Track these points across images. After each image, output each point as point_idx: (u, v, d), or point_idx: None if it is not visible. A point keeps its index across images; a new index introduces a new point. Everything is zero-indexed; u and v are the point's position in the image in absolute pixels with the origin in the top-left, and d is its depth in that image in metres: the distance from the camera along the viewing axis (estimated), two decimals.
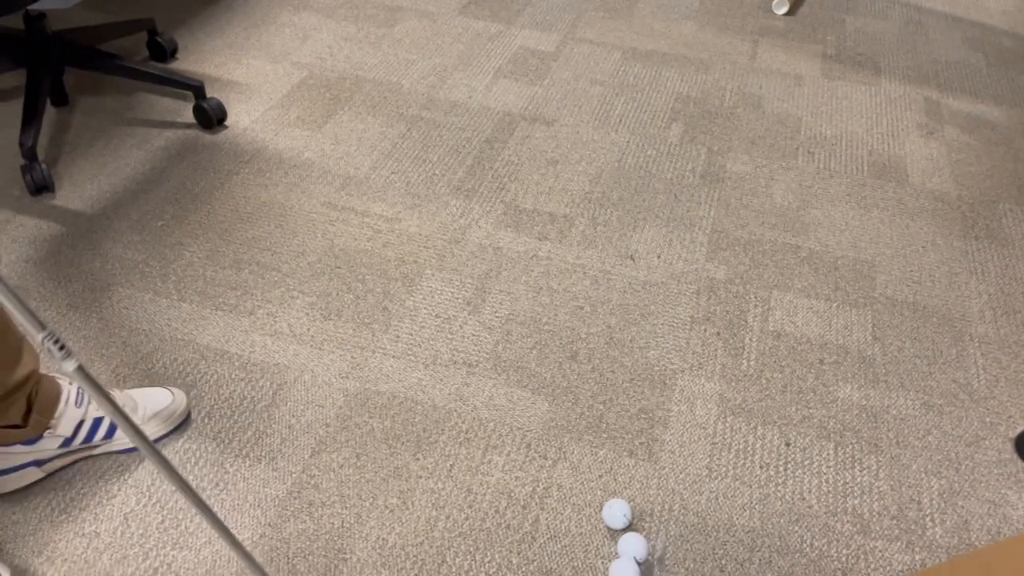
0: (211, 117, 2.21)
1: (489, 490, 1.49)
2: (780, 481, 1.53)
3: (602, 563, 1.40)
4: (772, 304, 1.87)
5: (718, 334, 1.80)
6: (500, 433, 1.58)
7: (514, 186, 2.14)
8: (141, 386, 1.60)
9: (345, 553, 1.38)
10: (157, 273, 1.84)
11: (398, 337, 1.74)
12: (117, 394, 1.46)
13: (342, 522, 1.43)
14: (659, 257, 1.98)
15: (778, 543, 1.43)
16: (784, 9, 2.97)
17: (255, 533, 1.40)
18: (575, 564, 1.39)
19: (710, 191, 2.17)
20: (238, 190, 2.07)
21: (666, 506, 1.48)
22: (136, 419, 1.46)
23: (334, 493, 1.47)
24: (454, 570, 1.37)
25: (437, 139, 2.28)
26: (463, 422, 1.60)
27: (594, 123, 2.39)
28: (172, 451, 1.49)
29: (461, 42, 2.73)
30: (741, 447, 1.58)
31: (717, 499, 1.50)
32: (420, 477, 1.50)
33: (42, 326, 0.75)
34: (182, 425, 1.53)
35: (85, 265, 1.84)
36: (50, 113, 2.26)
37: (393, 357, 1.70)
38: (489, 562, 1.38)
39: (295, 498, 1.46)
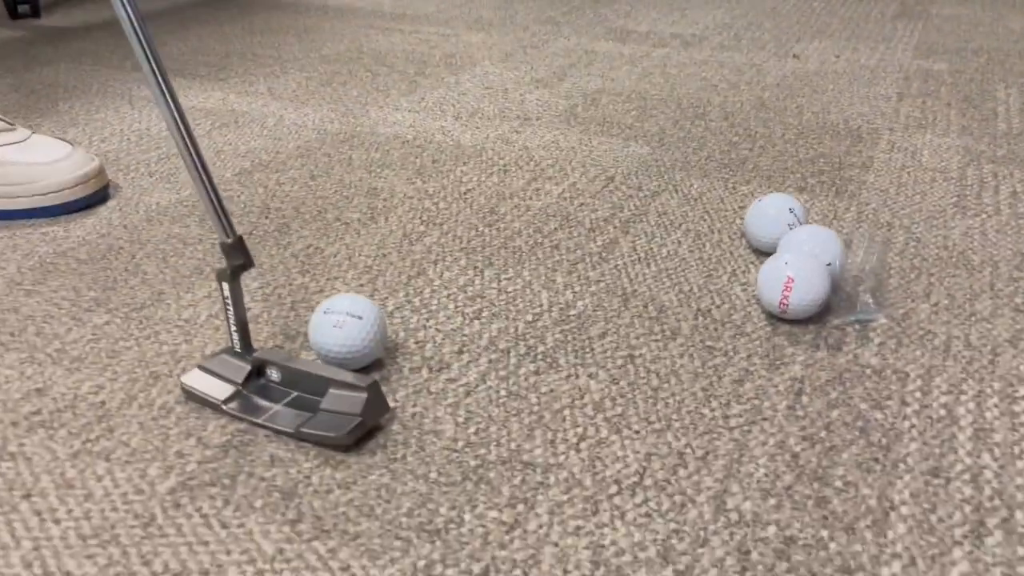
0: None
1: (528, 214, 0.80)
2: None
3: (740, 288, 0.66)
4: None
5: (949, 104, 1.08)
6: (562, 167, 0.91)
7: (622, 21, 1.55)
8: (27, 123, 1.06)
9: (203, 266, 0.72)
10: (116, 54, 1.34)
11: (422, 99, 1.14)
12: None
13: (250, 235, 0.77)
14: (837, 57, 1.30)
15: None
16: None
17: (90, 233, 0.77)
18: (681, 288, 0.67)
19: (908, 24, 1.50)
20: (259, 19, 1.59)
21: (881, 236, 0.74)
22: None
23: (256, 207, 0.82)
24: (437, 283, 0.68)
25: None
26: (500, 158, 0.94)
27: None
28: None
29: None
30: (1018, 189, 0.83)
31: (984, 234, 0.74)
32: (410, 197, 0.84)
33: None
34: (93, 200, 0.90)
35: (33, 51, 1.37)
36: None
37: (408, 111, 1.09)
38: (510, 279, 0.68)
39: (181, 206, 0.82)
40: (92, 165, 0.82)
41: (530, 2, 1.72)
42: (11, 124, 0.85)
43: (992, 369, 0.57)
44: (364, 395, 0.50)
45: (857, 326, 0.62)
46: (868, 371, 0.57)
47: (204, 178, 0.53)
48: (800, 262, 0.61)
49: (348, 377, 0.51)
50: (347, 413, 0.50)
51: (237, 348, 0.55)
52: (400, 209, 0.81)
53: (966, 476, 0.48)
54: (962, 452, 0.50)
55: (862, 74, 1.21)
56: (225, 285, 0.54)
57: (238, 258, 0.54)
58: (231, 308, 0.54)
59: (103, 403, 0.55)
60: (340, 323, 0.55)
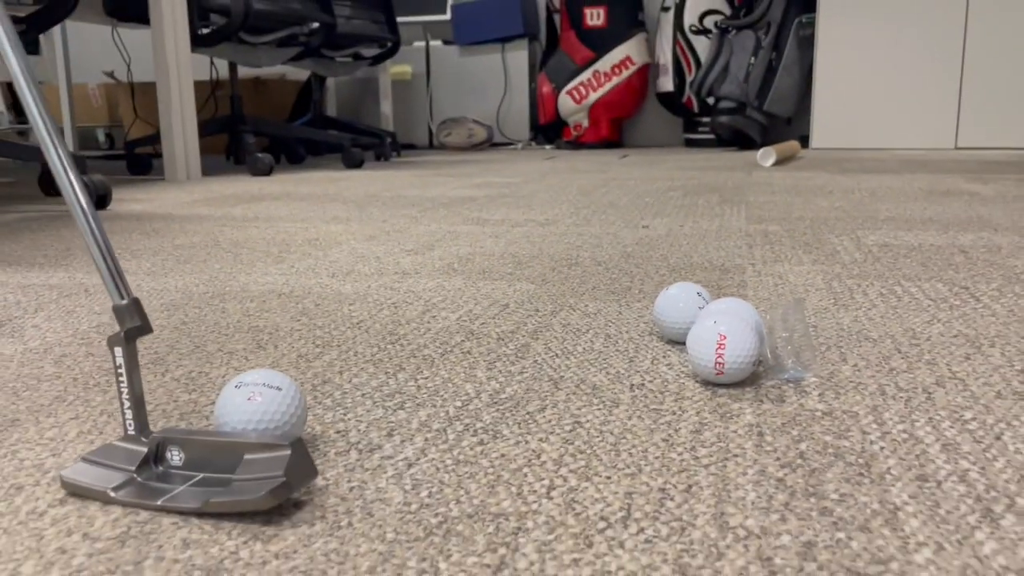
0: (89, 192, 1.75)
1: (430, 333, 0.76)
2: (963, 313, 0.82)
3: (667, 367, 0.64)
4: (860, 236, 1.26)
5: (794, 248, 1.17)
6: (454, 300, 0.88)
7: (477, 213, 1.61)
8: None
9: None
10: None
11: (293, 267, 1.10)
12: None
13: None
14: (682, 226, 1.40)
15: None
16: (771, 161, 2.70)
17: None
18: (608, 372, 0.64)
19: (733, 207, 1.65)
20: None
21: (795, 303, 0.75)
22: None
23: None
24: None
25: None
26: (388, 299, 0.90)
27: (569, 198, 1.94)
28: None
29: None
30: (884, 292, 0.89)
31: (871, 319, 0.77)
32: (297, 330, 0.78)
33: None
34: None
35: None
36: None
37: (279, 275, 1.04)
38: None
39: (31, 353, 0.72)
40: None
41: (383, 207, 1.76)
42: None
43: (932, 403, 0.57)
44: (287, 452, 0.42)
45: (791, 384, 0.61)
46: (818, 414, 0.55)
47: (94, 228, 0.47)
48: (729, 321, 0.60)
49: (265, 439, 0.44)
50: (267, 476, 0.42)
51: (130, 430, 0.46)
52: (289, 339, 0.75)
53: (954, 478, 0.46)
54: (940, 461, 0.48)
55: (708, 235, 1.30)
56: (118, 351, 0.46)
57: (134, 320, 0.46)
58: (124, 379, 0.46)
59: None
60: (256, 395, 0.48)
